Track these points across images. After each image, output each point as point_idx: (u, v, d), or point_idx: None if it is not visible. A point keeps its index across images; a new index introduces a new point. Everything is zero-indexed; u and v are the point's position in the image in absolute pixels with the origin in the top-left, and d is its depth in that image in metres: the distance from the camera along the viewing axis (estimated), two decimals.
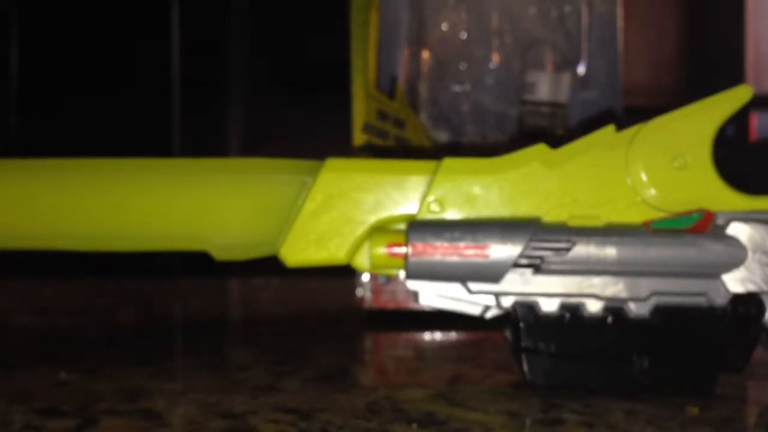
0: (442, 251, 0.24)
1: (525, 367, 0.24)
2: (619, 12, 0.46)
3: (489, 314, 0.25)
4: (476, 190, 0.25)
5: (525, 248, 0.24)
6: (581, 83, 0.46)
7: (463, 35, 0.46)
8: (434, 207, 0.25)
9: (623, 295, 0.24)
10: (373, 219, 0.25)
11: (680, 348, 0.24)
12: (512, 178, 0.25)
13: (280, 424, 0.21)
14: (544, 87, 0.45)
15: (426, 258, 0.24)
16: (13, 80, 1.30)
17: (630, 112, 0.44)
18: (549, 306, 0.24)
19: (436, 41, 0.46)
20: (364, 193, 0.25)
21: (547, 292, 0.24)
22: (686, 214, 0.24)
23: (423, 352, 0.35)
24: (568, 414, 0.22)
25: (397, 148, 0.42)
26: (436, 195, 0.25)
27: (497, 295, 0.24)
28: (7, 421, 0.22)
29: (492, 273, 0.24)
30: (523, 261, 0.24)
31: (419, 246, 0.24)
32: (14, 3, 1.28)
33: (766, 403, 0.26)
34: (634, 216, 0.24)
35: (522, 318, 0.24)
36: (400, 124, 0.43)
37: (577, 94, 0.46)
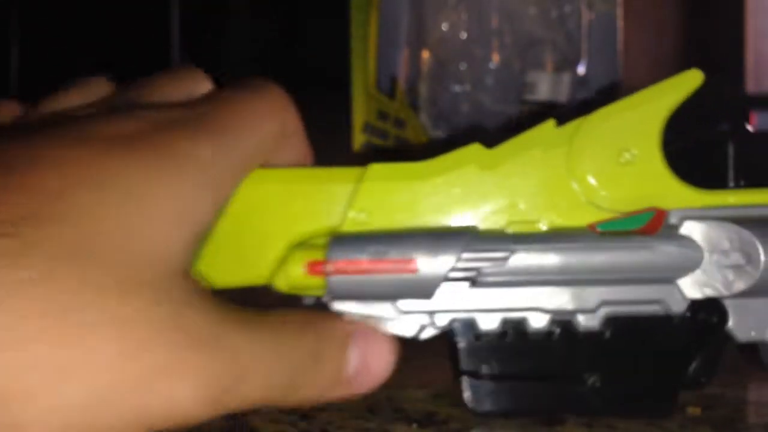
0: (365, 267, 0.21)
1: (465, 393, 0.22)
2: (619, 12, 0.46)
3: (424, 335, 0.22)
4: (405, 197, 0.22)
5: (458, 260, 0.21)
6: (581, 83, 0.46)
7: (463, 35, 0.46)
8: (361, 218, 0.22)
9: (570, 306, 0.22)
10: (293, 233, 0.22)
11: (636, 363, 0.22)
12: (444, 182, 0.22)
13: (280, 424, 0.21)
14: (544, 87, 0.45)
15: (349, 275, 0.21)
16: (13, 80, 1.30)
17: None
18: (489, 323, 0.22)
19: (436, 41, 0.46)
20: (284, 205, 0.22)
21: (486, 307, 0.22)
22: (636, 214, 0.22)
23: (423, 352, 0.35)
24: (567, 414, 0.22)
25: (396, 147, 0.42)
26: (362, 205, 0.22)
27: (431, 313, 0.22)
28: None
29: (422, 289, 0.21)
30: (457, 274, 0.21)
31: (340, 262, 0.21)
32: (14, 3, 1.28)
33: (766, 403, 0.26)
34: (579, 218, 0.22)
35: (460, 337, 0.22)
36: (400, 124, 0.43)
37: (577, 94, 0.46)
